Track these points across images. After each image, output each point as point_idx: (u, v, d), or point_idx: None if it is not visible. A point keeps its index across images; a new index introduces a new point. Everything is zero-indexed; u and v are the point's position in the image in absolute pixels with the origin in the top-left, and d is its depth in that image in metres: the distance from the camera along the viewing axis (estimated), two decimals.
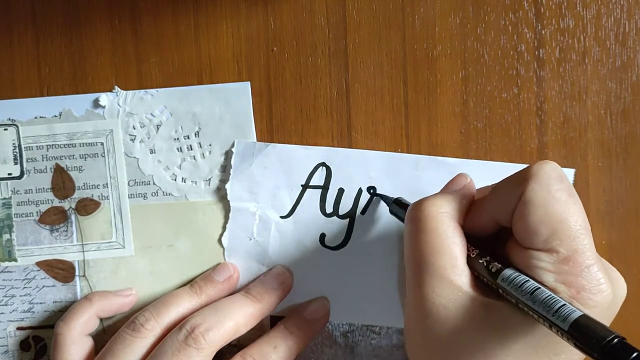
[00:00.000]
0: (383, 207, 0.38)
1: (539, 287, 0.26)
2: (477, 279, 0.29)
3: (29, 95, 0.39)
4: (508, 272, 0.27)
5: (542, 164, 0.28)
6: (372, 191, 0.38)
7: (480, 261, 0.29)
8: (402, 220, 0.35)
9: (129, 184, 0.39)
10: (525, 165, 0.37)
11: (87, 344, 0.37)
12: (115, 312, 0.38)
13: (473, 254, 0.29)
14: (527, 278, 0.27)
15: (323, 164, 0.38)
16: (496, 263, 0.28)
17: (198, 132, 0.39)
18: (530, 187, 0.27)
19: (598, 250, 0.28)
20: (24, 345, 0.39)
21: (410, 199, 0.37)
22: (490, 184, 0.32)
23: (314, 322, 0.37)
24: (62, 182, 0.39)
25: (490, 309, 0.27)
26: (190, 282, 0.38)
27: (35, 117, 0.39)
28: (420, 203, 0.30)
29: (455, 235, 0.29)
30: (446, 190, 0.32)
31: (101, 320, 0.39)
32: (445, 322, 0.27)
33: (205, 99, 0.38)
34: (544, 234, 0.27)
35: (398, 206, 0.36)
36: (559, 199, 0.27)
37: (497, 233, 0.31)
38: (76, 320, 0.36)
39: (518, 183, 0.28)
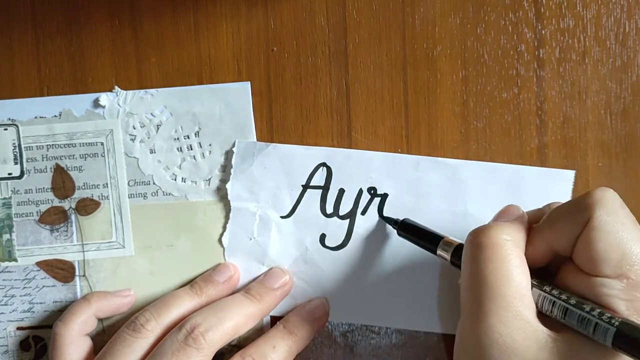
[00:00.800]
0: (383, 208, 0.38)
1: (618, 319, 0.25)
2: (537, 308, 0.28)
3: (29, 95, 0.39)
4: (573, 301, 0.27)
5: (604, 190, 0.28)
6: (380, 213, 0.38)
7: (545, 291, 0.28)
8: (414, 242, 0.36)
9: (129, 184, 0.39)
10: (526, 166, 0.37)
11: (85, 344, 0.37)
12: (113, 312, 0.38)
13: (535, 284, 0.29)
14: (602, 310, 0.26)
15: (324, 164, 0.38)
16: (561, 293, 0.28)
17: (198, 132, 0.39)
18: (597, 213, 0.27)
19: None
20: (24, 345, 0.39)
21: (411, 199, 0.37)
22: (525, 210, 0.31)
23: (314, 322, 0.37)
24: (62, 182, 0.39)
25: (558, 342, 0.27)
26: (190, 282, 0.38)
27: (35, 117, 0.39)
28: (486, 230, 0.29)
29: (523, 265, 0.28)
30: (497, 219, 0.32)
31: (101, 320, 0.39)
32: (513, 353, 0.27)
33: (205, 99, 0.38)
34: (614, 259, 0.26)
35: (406, 229, 0.36)
36: (626, 225, 0.27)
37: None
38: (74, 321, 0.36)
39: (581, 210, 0.28)
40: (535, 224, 0.31)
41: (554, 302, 0.28)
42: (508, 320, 0.27)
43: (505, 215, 0.31)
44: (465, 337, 0.29)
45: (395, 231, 0.37)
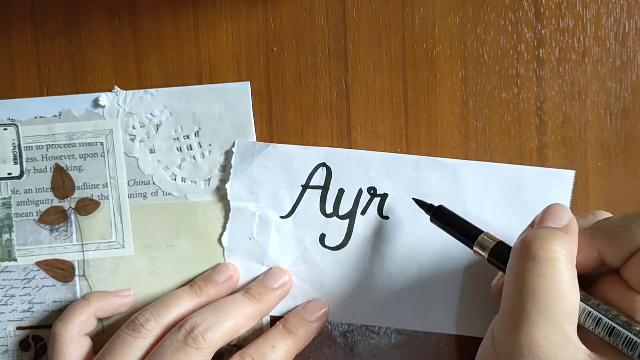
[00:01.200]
0: (383, 208, 0.38)
1: None
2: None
3: (29, 95, 0.39)
4: (621, 321, 0.27)
5: None
6: (414, 199, 0.36)
7: (592, 306, 0.27)
8: (448, 232, 0.34)
9: (129, 184, 0.39)
10: (526, 167, 0.37)
11: (85, 344, 0.37)
12: (113, 312, 0.38)
13: (582, 297, 0.28)
14: None
15: (324, 165, 0.38)
16: (608, 311, 0.27)
17: (198, 132, 0.39)
18: None
19: None
20: (24, 345, 0.39)
21: (411, 199, 0.37)
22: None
23: (313, 322, 0.37)
24: (62, 182, 0.39)
25: None
26: (190, 282, 0.38)
27: (35, 117, 0.39)
28: (542, 241, 0.28)
29: (575, 282, 0.27)
30: (547, 221, 0.30)
31: (101, 320, 0.39)
32: None
33: (205, 99, 0.38)
34: None
35: (441, 218, 0.34)
36: None
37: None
38: (74, 321, 0.36)
39: None
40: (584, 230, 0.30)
41: (600, 319, 0.27)
42: (553, 337, 0.26)
43: (554, 218, 0.30)
44: (502, 343, 0.28)
45: (395, 231, 0.37)
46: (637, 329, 0.26)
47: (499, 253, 0.31)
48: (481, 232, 0.32)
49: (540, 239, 0.28)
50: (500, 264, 0.31)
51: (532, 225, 0.31)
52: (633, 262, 0.27)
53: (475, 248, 0.32)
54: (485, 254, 0.32)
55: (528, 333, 0.27)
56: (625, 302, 0.27)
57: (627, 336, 0.26)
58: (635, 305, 0.27)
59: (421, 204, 0.35)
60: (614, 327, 0.27)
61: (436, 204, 0.35)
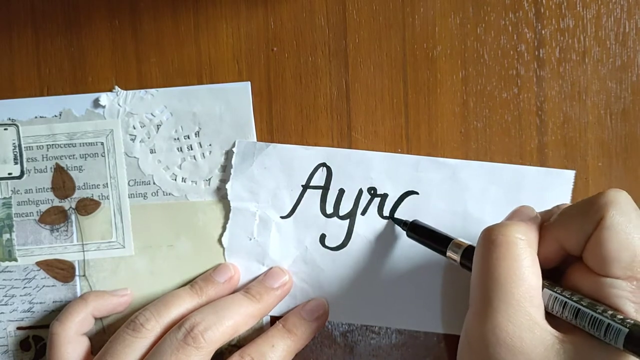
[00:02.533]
0: (383, 208, 0.38)
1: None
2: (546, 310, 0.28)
3: (29, 95, 0.39)
4: (585, 303, 0.27)
5: (617, 191, 0.28)
6: (391, 215, 0.38)
7: (556, 292, 0.28)
8: (423, 244, 0.36)
9: (129, 184, 0.39)
10: (526, 166, 0.37)
11: (83, 343, 0.37)
12: (110, 311, 0.38)
13: (546, 285, 0.29)
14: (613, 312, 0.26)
15: (324, 165, 0.38)
16: (572, 294, 0.28)
17: (198, 132, 0.39)
18: (610, 213, 0.27)
19: None
20: (24, 345, 0.39)
21: (411, 200, 0.37)
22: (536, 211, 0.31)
23: (313, 321, 0.37)
24: (62, 182, 0.39)
25: (565, 343, 0.27)
26: (190, 282, 0.38)
27: (35, 117, 0.39)
28: (500, 228, 0.29)
29: (535, 265, 0.28)
30: (511, 219, 0.31)
31: (101, 319, 0.39)
32: (519, 353, 0.27)
33: (205, 98, 0.38)
34: (625, 260, 0.27)
35: (415, 230, 0.36)
36: (638, 227, 0.27)
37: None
38: (72, 320, 0.36)
39: (594, 209, 0.28)
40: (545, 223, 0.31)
41: (565, 303, 0.28)
42: (516, 320, 0.27)
43: (518, 215, 0.31)
44: (472, 334, 0.29)
45: (394, 231, 0.37)
46: (600, 309, 0.26)
47: (470, 255, 0.32)
48: (451, 239, 0.34)
49: (499, 226, 0.29)
50: (471, 265, 0.32)
51: None
52: (589, 246, 0.28)
53: (448, 254, 0.34)
54: (457, 259, 0.33)
55: (493, 318, 0.27)
56: (590, 287, 0.28)
57: (591, 315, 0.26)
58: (598, 286, 0.27)
59: (397, 221, 0.37)
60: (579, 309, 0.27)
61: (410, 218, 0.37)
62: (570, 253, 0.29)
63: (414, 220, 0.37)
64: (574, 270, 0.29)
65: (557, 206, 0.32)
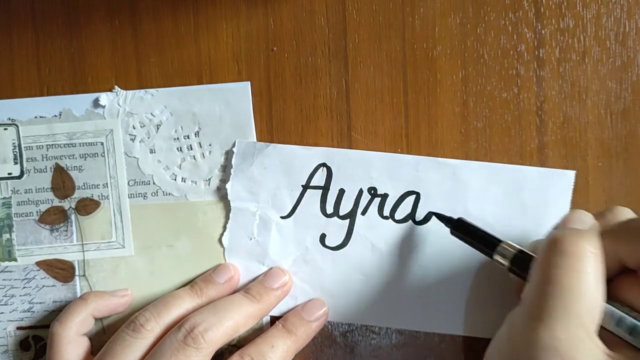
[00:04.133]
0: (383, 208, 0.38)
1: None
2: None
3: (29, 95, 0.39)
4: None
5: None
6: (431, 213, 0.37)
7: (614, 307, 0.28)
8: (468, 242, 0.34)
9: (129, 184, 0.39)
10: (526, 167, 0.37)
11: (83, 343, 0.37)
12: (110, 312, 0.38)
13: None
14: None
15: (324, 165, 0.38)
16: (631, 310, 0.27)
17: (198, 132, 0.39)
18: None
19: None
20: (23, 345, 0.39)
21: (411, 200, 0.37)
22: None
23: (313, 321, 0.37)
24: (62, 182, 0.39)
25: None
26: (190, 282, 0.38)
27: (35, 117, 0.39)
28: (572, 237, 0.28)
29: (602, 281, 0.28)
30: (572, 224, 0.31)
31: (101, 320, 0.39)
32: None
33: (205, 98, 0.38)
34: None
35: (461, 230, 0.35)
36: None
37: None
38: (72, 320, 0.36)
39: None
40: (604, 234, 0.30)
41: (621, 318, 0.27)
42: (572, 331, 0.26)
43: (577, 222, 0.30)
44: (520, 334, 0.28)
45: (394, 231, 0.37)
46: None
47: (520, 261, 0.32)
48: (500, 241, 0.33)
49: (570, 236, 0.28)
50: (520, 271, 0.31)
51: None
52: None
53: (495, 257, 0.33)
54: (506, 263, 0.32)
55: (549, 324, 0.27)
56: None
57: None
58: None
59: (441, 217, 0.36)
60: (636, 325, 0.27)
61: (442, 211, 0.36)
62: (629, 267, 0.29)
63: (460, 217, 0.35)
64: (626, 283, 0.29)
65: (611, 210, 0.31)
